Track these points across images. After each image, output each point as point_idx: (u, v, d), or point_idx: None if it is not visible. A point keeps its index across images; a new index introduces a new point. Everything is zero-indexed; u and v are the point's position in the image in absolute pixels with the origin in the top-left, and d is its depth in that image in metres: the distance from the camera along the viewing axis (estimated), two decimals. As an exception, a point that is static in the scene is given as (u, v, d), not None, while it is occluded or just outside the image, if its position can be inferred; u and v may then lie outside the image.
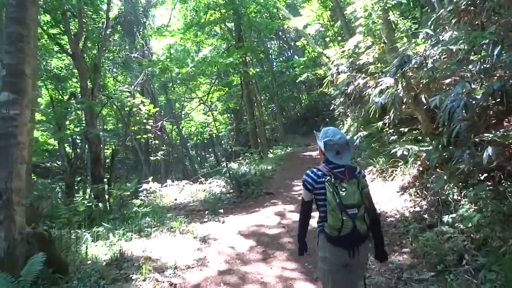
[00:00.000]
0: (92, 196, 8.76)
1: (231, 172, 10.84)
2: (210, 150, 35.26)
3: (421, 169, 6.79)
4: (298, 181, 9.98)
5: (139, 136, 14.48)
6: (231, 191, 10.52)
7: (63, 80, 15.16)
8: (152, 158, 16.39)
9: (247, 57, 15.15)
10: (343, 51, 9.13)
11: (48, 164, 15.92)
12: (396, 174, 7.25)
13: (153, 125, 15.20)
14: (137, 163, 23.63)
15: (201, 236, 6.01)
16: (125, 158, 24.55)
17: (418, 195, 6.17)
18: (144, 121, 13.74)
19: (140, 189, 12.03)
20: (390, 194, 6.79)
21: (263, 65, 27.94)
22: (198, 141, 28.32)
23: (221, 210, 7.93)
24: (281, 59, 33.47)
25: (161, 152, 16.26)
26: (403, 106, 6.94)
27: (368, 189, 2.50)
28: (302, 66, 21.56)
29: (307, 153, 14.95)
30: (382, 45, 7.51)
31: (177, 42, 14.90)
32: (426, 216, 5.38)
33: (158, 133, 16.48)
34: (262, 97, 26.38)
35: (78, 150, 13.75)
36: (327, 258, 2.42)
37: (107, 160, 14.47)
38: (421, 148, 6.35)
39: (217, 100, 24.96)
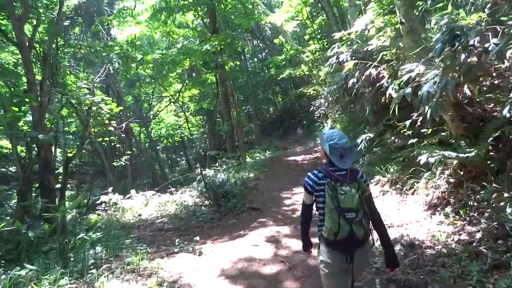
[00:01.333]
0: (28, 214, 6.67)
1: (207, 181, 9.03)
2: (181, 153, 33.06)
3: (452, 180, 5.26)
4: (288, 193, 8.25)
5: (101, 139, 12.39)
6: (207, 203, 8.72)
7: (12, 75, 12.86)
8: (116, 163, 14.16)
9: (223, 55, 13.31)
10: (343, 37, 7.45)
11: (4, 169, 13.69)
12: (417, 186, 5.67)
13: (116, 126, 13.25)
14: (104, 168, 21.29)
15: (169, 282, 4.15)
16: (90, 163, 22.12)
17: (459, 217, 4.61)
18: (106, 121, 12.04)
19: (98, 201, 10.00)
20: (415, 213, 5.20)
21: (238, 64, 26.14)
22: (169, 144, 26.12)
23: (197, 238, 6.04)
24: (255, 59, 31.81)
25: (126, 157, 14.04)
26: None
27: (369, 193, 2.43)
28: (282, 63, 19.93)
29: (291, 158, 13.28)
30: (398, 26, 5.92)
31: (144, 32, 12.89)
32: (484, 249, 3.81)
33: (123, 135, 14.37)
34: (237, 98, 24.55)
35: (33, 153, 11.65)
36: (326, 262, 2.38)
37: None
38: (460, 154, 4.77)
39: (190, 101, 23.01)
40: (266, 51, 29.35)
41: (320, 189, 2.33)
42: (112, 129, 12.62)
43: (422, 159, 5.26)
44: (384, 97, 5.83)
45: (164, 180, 25.80)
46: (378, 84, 5.83)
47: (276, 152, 15.90)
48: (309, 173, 2.47)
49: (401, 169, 6.44)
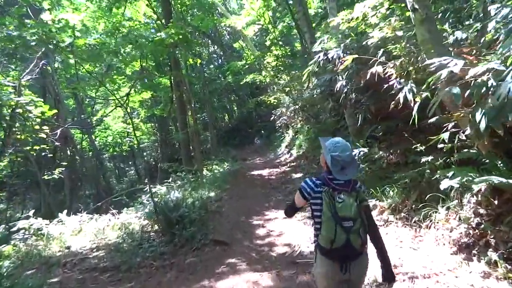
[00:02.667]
0: None
1: (156, 202, 7.22)
2: (130, 163, 30.34)
3: (482, 211, 3.97)
4: (260, 218, 6.62)
5: (29, 148, 10.19)
6: (157, 228, 6.91)
7: None
8: (48, 176, 11.72)
9: (180, 52, 11.53)
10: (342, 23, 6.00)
11: None
12: (434, 217, 4.31)
13: (49, 133, 11.01)
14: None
15: None
16: (22, 173, 19.04)
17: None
18: (37, 127, 9.89)
19: (16, 228, 7.76)
20: (441, 257, 3.82)
21: (194, 69, 24.23)
22: (115, 153, 23.50)
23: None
24: (211, 66, 30.06)
25: (61, 169, 11.71)
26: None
27: (367, 205, 2.35)
28: (241, 69, 18.45)
29: (254, 172, 11.69)
30: (408, 14, 4.61)
31: (85, 22, 10.72)
32: None
33: (57, 143, 12.03)
34: (193, 105, 22.64)
35: None
36: (321, 273, 2.29)
37: None
38: (502, 180, 3.46)
39: (140, 106, 20.75)
40: (223, 57, 27.72)
41: (317, 197, 2.25)
42: (44, 135, 10.53)
43: (444, 183, 3.94)
44: (388, 102, 4.49)
45: (109, 191, 23.24)
46: (385, 85, 4.43)
47: (235, 165, 14.25)
48: (306, 179, 2.38)
49: (403, 193, 5.10)
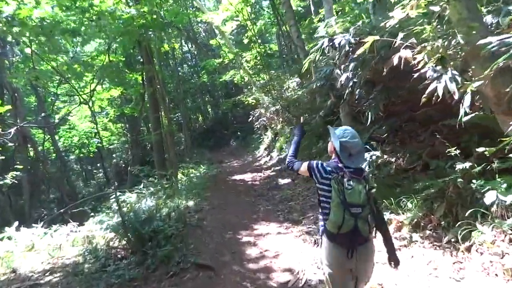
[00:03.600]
0: None
1: (124, 212, 6.08)
2: (98, 165, 28.43)
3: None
4: (249, 234, 5.52)
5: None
6: (126, 245, 5.76)
7: None
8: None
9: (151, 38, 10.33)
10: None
11: None
12: (476, 240, 3.43)
13: (1, 132, 9.54)
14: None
15: None
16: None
17: None
18: None
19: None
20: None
21: (167, 68, 22.82)
22: (82, 154, 21.66)
23: None
24: (185, 65, 28.66)
25: (16, 173, 10.21)
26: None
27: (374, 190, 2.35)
28: (216, 67, 17.33)
29: (236, 177, 10.57)
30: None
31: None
32: None
33: (10, 144, 10.49)
34: (168, 103, 21.25)
35: None
36: (330, 261, 2.26)
37: None
38: None
39: (109, 105, 19.16)
40: (198, 56, 26.42)
41: (325, 182, 2.25)
42: None
43: (490, 196, 3.10)
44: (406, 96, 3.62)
45: (75, 196, 21.41)
46: (414, 75, 3.52)
47: (212, 168, 13.13)
48: (316, 162, 2.37)
49: (425, 205, 4.22)
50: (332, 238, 2.19)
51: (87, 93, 12.28)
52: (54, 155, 20.40)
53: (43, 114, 15.17)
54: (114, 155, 29.07)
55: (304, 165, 2.41)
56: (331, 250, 2.23)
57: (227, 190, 8.41)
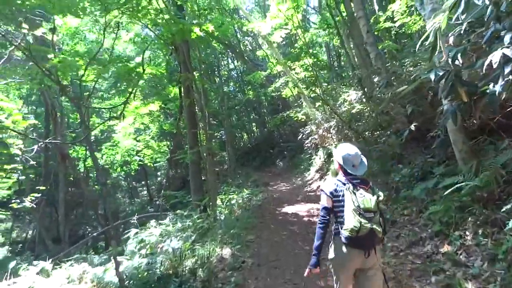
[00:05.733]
0: None
1: (122, 275, 4.11)
2: (143, 182, 27.47)
3: None
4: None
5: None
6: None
7: None
8: (17, 205, 8.71)
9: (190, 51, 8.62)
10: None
11: None
12: None
13: (23, 149, 8.19)
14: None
15: None
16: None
17: None
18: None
19: None
20: None
21: (210, 81, 21.40)
22: (123, 172, 20.56)
23: None
24: (231, 82, 27.24)
25: (34, 195, 8.78)
26: None
27: (382, 197, 2.51)
28: (263, 80, 15.43)
29: (288, 208, 8.22)
30: None
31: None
32: None
33: (32, 162, 9.10)
34: (210, 121, 19.66)
35: None
36: (341, 261, 2.46)
37: None
38: None
39: (152, 122, 17.89)
40: (243, 72, 24.82)
41: (340, 194, 2.47)
42: (19, 152, 7.93)
43: None
44: None
45: (116, 214, 20.22)
46: None
47: (257, 192, 10.99)
48: (328, 181, 2.82)
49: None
50: (351, 241, 2.36)
51: (116, 106, 10.82)
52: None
53: (77, 130, 13.98)
54: (159, 173, 28.09)
55: (322, 198, 2.57)
56: (347, 254, 2.41)
57: (277, 230, 6.15)
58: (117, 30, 9.12)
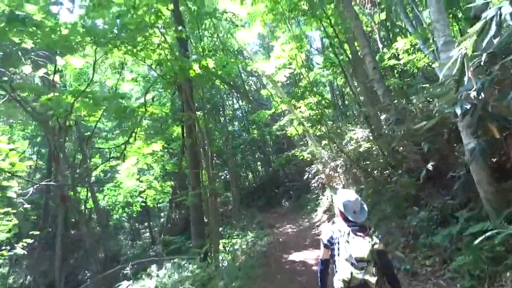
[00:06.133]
0: None
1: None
2: (146, 224, 26.67)
3: None
4: None
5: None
6: None
7: None
8: (7, 252, 8.13)
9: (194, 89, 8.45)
10: None
11: None
12: None
13: (17, 191, 7.86)
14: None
15: None
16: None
17: None
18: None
19: None
20: None
21: (216, 122, 21.31)
22: (125, 213, 19.96)
23: None
24: (235, 122, 27.19)
25: (26, 241, 8.28)
26: None
27: (380, 245, 2.42)
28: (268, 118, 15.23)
29: (295, 255, 7.57)
30: None
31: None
32: None
33: (26, 205, 8.66)
34: (214, 161, 19.28)
35: None
36: None
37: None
38: None
39: (156, 161, 17.54)
40: (248, 111, 24.81)
41: (335, 243, 2.43)
42: (14, 195, 7.60)
43: None
44: None
45: (117, 258, 19.40)
46: None
47: (262, 235, 10.36)
48: (325, 227, 2.81)
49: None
50: None
51: (118, 145, 10.54)
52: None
53: (78, 170, 13.64)
54: (162, 214, 27.34)
55: (321, 250, 2.55)
56: None
57: (284, 282, 5.51)
58: (121, 70, 9.08)
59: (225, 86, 18.77)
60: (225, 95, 23.77)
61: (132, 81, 8.45)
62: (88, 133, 9.58)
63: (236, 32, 13.99)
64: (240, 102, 26.16)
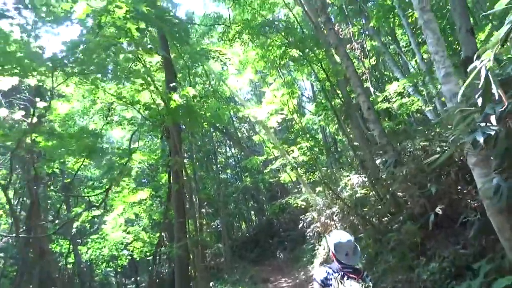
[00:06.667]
0: None
1: None
2: (132, 279, 24.94)
3: None
4: None
5: None
6: None
7: None
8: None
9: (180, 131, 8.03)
10: None
11: None
12: None
13: None
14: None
15: None
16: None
17: None
18: None
19: None
20: None
21: (208, 170, 20.68)
22: (109, 268, 18.58)
23: None
24: (228, 170, 26.61)
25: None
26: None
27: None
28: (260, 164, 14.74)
29: None
30: None
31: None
32: None
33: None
34: (205, 210, 18.42)
35: None
36: None
37: None
38: None
39: (144, 211, 16.62)
40: (240, 158, 24.36)
41: (329, 284, 2.38)
42: None
43: None
44: None
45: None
46: None
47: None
48: (319, 268, 2.64)
49: None
50: None
51: (99, 193, 9.87)
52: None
53: (58, 221, 12.75)
54: (151, 268, 25.65)
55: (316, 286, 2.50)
56: None
57: None
58: (108, 113, 8.69)
59: (218, 133, 18.53)
60: (217, 143, 23.48)
61: (117, 124, 8.04)
62: (68, 179, 8.91)
63: (228, 78, 13.97)
64: (233, 150, 25.83)
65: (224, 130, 18.28)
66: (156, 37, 10.12)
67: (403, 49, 13.42)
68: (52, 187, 13.69)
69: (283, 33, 9.44)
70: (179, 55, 11.09)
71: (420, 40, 11.14)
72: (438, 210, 4.18)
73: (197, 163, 17.37)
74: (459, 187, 4.30)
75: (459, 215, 4.55)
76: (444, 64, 4.00)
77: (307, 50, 8.89)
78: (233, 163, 27.10)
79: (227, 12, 13.46)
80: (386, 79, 12.93)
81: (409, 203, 6.39)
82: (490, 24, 8.89)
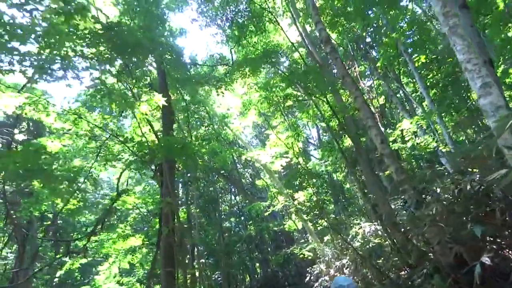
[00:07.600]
0: None
1: None
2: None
3: None
4: None
5: None
6: None
7: None
8: None
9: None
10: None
11: None
12: None
13: None
14: None
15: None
16: None
17: None
18: None
19: None
20: None
21: (211, 218, 19.41)
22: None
23: None
24: (231, 219, 25.19)
25: None
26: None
27: None
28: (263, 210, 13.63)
29: None
30: None
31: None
32: None
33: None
34: (204, 260, 16.93)
35: None
36: None
37: None
38: None
39: (139, 262, 15.27)
40: (244, 205, 23.10)
41: None
42: None
43: None
44: None
45: None
46: None
47: None
48: None
49: None
50: None
51: (80, 238, 8.82)
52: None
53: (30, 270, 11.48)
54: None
55: None
56: None
57: None
58: (98, 152, 7.96)
59: (221, 179, 17.62)
60: (221, 190, 22.43)
61: (103, 160, 7.26)
62: (48, 222, 7.93)
63: (230, 121, 13.38)
64: (237, 198, 24.66)
65: (228, 176, 17.36)
66: (156, 77, 9.72)
67: (412, 95, 12.86)
68: (42, 232, 12.56)
69: (285, 70, 8.90)
70: (180, 96, 10.61)
71: (428, 83, 10.61)
72: (486, 259, 3.11)
73: (198, 210, 16.31)
74: (508, 230, 3.27)
75: (510, 268, 3.45)
76: (480, 73, 3.20)
77: (309, 85, 8.24)
78: (237, 211, 25.77)
79: (229, 55, 13.21)
80: (395, 121, 12.25)
81: (435, 252, 5.24)
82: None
